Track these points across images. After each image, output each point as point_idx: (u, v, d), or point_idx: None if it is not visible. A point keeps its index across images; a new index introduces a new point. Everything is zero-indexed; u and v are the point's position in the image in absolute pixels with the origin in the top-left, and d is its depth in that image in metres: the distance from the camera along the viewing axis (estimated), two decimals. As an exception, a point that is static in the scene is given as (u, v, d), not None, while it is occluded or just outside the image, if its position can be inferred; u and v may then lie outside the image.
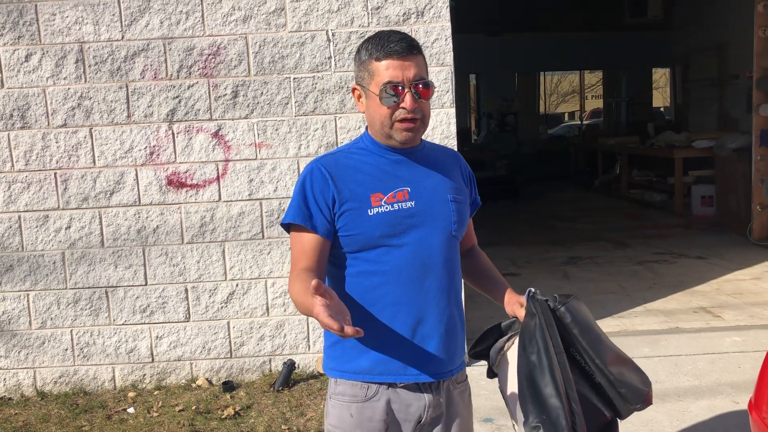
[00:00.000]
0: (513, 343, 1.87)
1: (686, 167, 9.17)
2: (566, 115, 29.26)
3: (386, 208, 1.70)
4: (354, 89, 1.76)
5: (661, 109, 19.47)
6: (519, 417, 1.75)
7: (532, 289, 1.80)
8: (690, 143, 9.15)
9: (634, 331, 4.59)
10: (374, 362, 1.71)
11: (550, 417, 1.63)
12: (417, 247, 1.72)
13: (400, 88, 1.66)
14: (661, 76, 21.82)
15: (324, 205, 1.69)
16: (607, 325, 4.73)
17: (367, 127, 1.79)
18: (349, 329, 1.39)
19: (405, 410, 1.74)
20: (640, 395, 1.77)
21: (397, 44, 1.66)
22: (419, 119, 1.70)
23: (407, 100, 1.66)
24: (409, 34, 3.95)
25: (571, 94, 29.40)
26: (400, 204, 1.71)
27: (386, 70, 1.66)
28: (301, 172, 1.63)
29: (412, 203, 1.72)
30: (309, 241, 1.69)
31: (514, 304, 1.86)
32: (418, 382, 1.74)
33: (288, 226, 1.75)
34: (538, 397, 1.67)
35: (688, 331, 4.55)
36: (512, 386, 1.83)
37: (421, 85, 1.68)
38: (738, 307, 5.02)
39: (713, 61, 10.99)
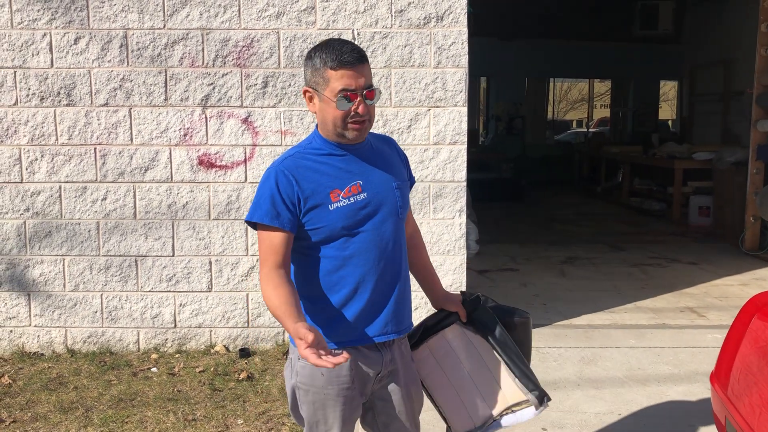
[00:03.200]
0: (445, 333, 2.28)
1: (686, 178, 9.48)
2: (574, 122, 29.55)
3: (344, 202, 1.95)
4: (306, 91, 1.97)
5: (669, 122, 19.77)
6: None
7: (482, 296, 2.26)
8: (690, 155, 9.46)
9: (622, 325, 4.91)
10: (339, 332, 1.99)
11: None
12: (373, 233, 2.00)
13: (353, 94, 1.90)
14: (671, 88, 22.11)
15: (290, 204, 1.92)
16: (598, 319, 5.07)
17: (317, 126, 2.03)
18: (338, 359, 1.67)
19: (366, 365, 2.04)
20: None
21: (349, 55, 1.88)
22: (367, 120, 1.95)
23: (360, 106, 1.91)
24: (429, 36, 4.31)
25: (579, 102, 29.70)
26: (355, 197, 1.97)
27: (341, 78, 1.88)
28: (265, 172, 1.98)
29: (365, 195, 1.99)
30: (278, 238, 1.92)
31: (456, 304, 2.25)
32: (377, 343, 2.05)
33: (254, 224, 1.97)
34: (526, 373, 2.16)
35: (673, 327, 4.87)
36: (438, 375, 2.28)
37: (372, 92, 1.94)
38: (723, 308, 5.34)
39: (719, 76, 11.29)
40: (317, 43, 4.25)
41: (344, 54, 1.88)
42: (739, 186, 8.26)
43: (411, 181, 2.26)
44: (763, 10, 7.11)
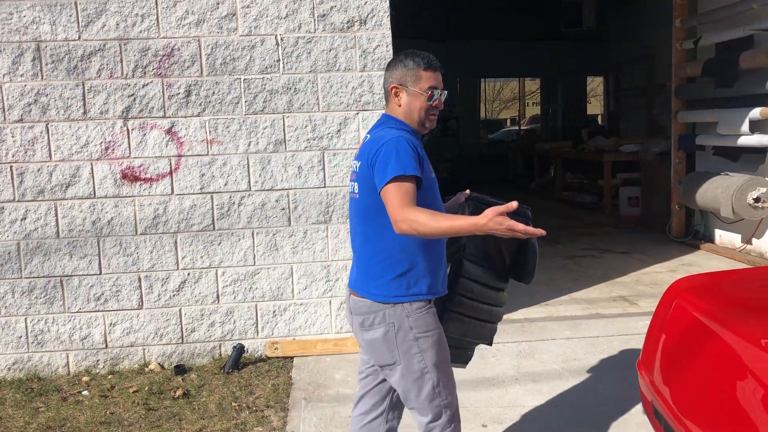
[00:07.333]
0: None
1: (615, 170, 9.75)
2: (508, 120, 30.07)
3: (433, 174, 2.39)
4: (394, 87, 2.39)
5: (598, 117, 20.32)
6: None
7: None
8: (618, 148, 9.73)
9: (558, 317, 5.00)
10: (428, 285, 2.36)
11: None
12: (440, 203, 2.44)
13: (437, 92, 2.38)
14: (598, 84, 22.73)
15: (418, 162, 2.27)
16: (533, 312, 5.14)
17: (392, 117, 2.39)
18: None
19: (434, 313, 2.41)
20: None
21: (436, 62, 2.40)
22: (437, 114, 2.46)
23: (441, 102, 2.42)
24: (353, 40, 4.29)
25: (512, 101, 30.23)
26: (432, 174, 2.41)
27: (430, 78, 2.37)
28: (390, 141, 2.23)
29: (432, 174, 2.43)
30: (415, 187, 2.23)
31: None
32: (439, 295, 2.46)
33: (396, 178, 2.23)
34: None
35: (607, 316, 4.99)
36: None
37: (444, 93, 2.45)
38: (653, 295, 5.49)
39: (643, 71, 11.66)
40: (244, 48, 4.16)
41: (433, 60, 2.39)
42: (665, 176, 8.53)
43: None
44: (677, 6, 7.37)
